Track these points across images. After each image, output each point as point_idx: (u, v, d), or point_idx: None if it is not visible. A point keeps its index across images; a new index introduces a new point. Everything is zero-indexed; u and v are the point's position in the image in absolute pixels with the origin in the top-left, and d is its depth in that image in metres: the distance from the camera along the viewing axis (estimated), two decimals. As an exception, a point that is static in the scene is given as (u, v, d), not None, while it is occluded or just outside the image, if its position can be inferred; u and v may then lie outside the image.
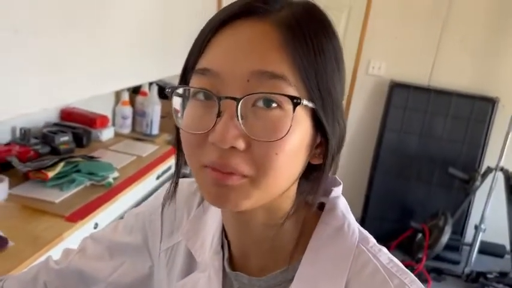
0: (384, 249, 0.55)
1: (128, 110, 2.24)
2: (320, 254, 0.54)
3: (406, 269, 0.53)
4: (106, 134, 1.96)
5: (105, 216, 1.36)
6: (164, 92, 2.05)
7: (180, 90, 0.50)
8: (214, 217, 0.63)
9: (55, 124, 1.83)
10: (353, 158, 3.41)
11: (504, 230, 2.85)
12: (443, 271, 2.94)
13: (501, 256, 3.08)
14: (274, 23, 0.46)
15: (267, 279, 0.56)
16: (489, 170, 2.91)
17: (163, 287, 0.66)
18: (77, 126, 1.85)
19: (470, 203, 3.10)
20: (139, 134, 2.26)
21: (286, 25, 0.46)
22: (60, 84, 1.39)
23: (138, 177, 1.60)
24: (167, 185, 0.66)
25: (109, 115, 2.15)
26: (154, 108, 2.26)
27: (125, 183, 1.53)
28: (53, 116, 1.88)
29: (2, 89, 1.17)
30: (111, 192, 1.44)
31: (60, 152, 1.64)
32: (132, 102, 2.28)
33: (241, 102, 0.44)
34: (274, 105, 0.45)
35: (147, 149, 1.92)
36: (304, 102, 0.45)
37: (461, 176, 2.95)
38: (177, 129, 0.53)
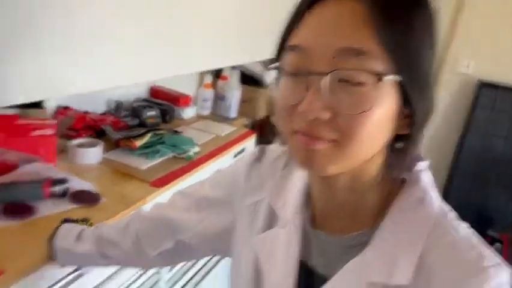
0: (464, 224, 0.56)
1: (209, 93, 2.34)
2: (399, 222, 0.56)
3: (485, 243, 0.53)
4: (188, 112, 2.07)
5: (185, 185, 1.44)
6: (244, 77, 2.12)
7: (275, 66, 0.55)
8: (298, 179, 0.67)
9: (144, 100, 1.97)
10: (429, 158, 3.29)
11: None
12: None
13: None
14: (361, 0, 0.47)
15: (345, 239, 0.59)
16: None
17: (244, 239, 0.71)
18: (163, 103, 1.97)
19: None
20: (218, 117, 2.35)
21: (374, 1, 0.47)
22: (150, 62, 1.50)
23: (216, 154, 1.68)
24: (252, 152, 0.73)
25: (191, 95, 2.26)
26: (234, 93, 2.34)
27: (205, 158, 1.61)
28: (142, 93, 2.02)
29: (102, 63, 1.28)
30: (191, 165, 1.53)
31: (147, 125, 1.76)
32: (214, 86, 2.38)
33: (327, 77, 0.47)
34: (358, 80, 0.47)
35: (225, 129, 2.00)
36: (390, 77, 0.47)
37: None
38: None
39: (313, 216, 0.64)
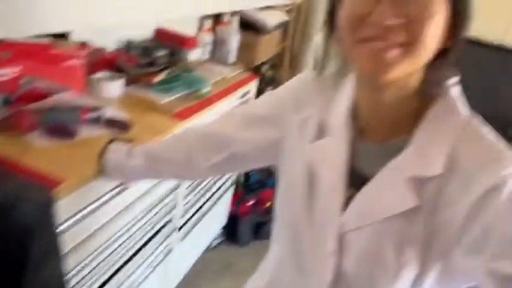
0: (489, 127, 0.67)
1: (209, 38, 2.38)
2: (432, 127, 0.66)
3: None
4: (194, 54, 2.12)
5: (202, 120, 1.54)
6: (244, 24, 2.17)
7: None
8: (347, 94, 0.75)
9: (151, 41, 2.01)
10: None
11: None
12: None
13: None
14: None
15: (390, 146, 0.69)
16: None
17: (296, 149, 0.80)
18: (169, 45, 2.01)
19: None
20: (217, 61, 2.40)
21: None
22: (156, 2, 1.54)
23: (226, 94, 1.77)
24: (302, 73, 0.81)
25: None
26: (233, 38, 2.39)
27: (216, 96, 1.70)
28: (149, 34, 2.05)
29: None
30: (205, 101, 1.62)
31: (157, 64, 1.81)
32: (213, 31, 2.42)
33: None
34: None
35: (229, 72, 2.07)
36: None
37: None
38: (331, 12, 0.67)
39: (360, 128, 0.74)
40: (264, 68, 2.98)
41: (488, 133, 0.65)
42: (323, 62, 0.74)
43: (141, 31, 1.99)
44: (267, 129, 0.85)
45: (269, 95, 0.89)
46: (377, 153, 0.71)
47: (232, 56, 2.43)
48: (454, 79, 0.70)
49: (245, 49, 2.50)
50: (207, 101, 1.61)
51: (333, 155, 0.74)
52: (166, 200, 1.53)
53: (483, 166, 0.61)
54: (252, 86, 2.09)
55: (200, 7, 1.87)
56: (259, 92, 2.56)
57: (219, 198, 2.10)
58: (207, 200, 1.95)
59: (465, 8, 0.61)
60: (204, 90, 1.65)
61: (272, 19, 2.59)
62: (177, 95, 1.59)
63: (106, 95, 1.46)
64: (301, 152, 0.78)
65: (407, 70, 0.61)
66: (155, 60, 1.83)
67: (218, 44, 2.44)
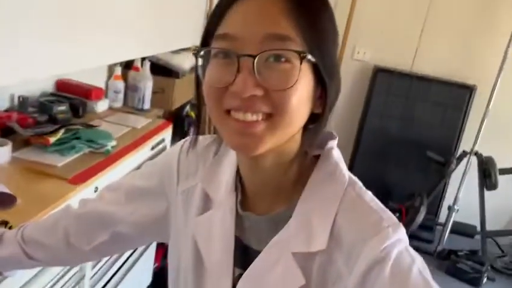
0: (369, 192, 0.65)
1: (120, 85, 2.28)
2: (315, 195, 0.64)
3: (385, 208, 0.63)
4: (101, 105, 2.01)
5: (105, 181, 1.43)
6: (156, 68, 2.11)
7: (204, 52, 0.59)
8: (229, 163, 0.71)
9: (51, 94, 1.87)
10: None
11: (476, 211, 3.02)
12: (416, 249, 3.09)
13: (472, 236, 3.26)
14: None
15: (273, 216, 0.66)
16: (464, 154, 3.06)
17: (180, 224, 0.75)
18: (73, 97, 1.89)
19: (445, 185, 3.26)
20: (130, 109, 2.30)
21: None
22: (60, 53, 1.44)
23: (134, 147, 1.67)
24: (182, 141, 0.76)
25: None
26: (146, 84, 2.31)
27: (123, 151, 1.60)
28: (49, 86, 1.92)
29: (2, 55, 1.21)
30: (109, 159, 1.51)
31: (58, 120, 1.69)
32: (124, 77, 2.32)
33: (257, 58, 0.54)
34: (283, 59, 0.55)
35: (141, 122, 1.98)
36: (308, 56, 0.55)
37: (438, 159, 3.10)
38: (197, 87, 0.63)
39: (244, 197, 0.70)
40: (187, 109, 2.91)
41: (367, 201, 0.63)
42: (195, 134, 0.70)
43: (40, 84, 1.86)
44: (151, 202, 0.79)
45: (151, 165, 0.83)
46: (263, 225, 0.67)
47: (147, 102, 2.34)
48: (334, 141, 0.68)
49: (161, 94, 2.42)
50: (111, 159, 1.50)
51: (218, 230, 0.69)
52: (71, 272, 1.39)
53: (364, 241, 0.58)
54: (167, 134, 2.01)
55: (105, 57, 1.78)
56: (184, 135, 2.49)
57: (138, 258, 1.96)
58: (123, 264, 1.81)
59: (329, 77, 0.59)
60: (108, 147, 1.54)
61: (188, 61, 2.54)
62: (77, 155, 1.47)
63: (-9, 163, 1.31)
64: (187, 228, 0.73)
65: (277, 142, 0.59)
66: (54, 116, 1.70)
67: (130, 91, 2.35)
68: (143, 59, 2.35)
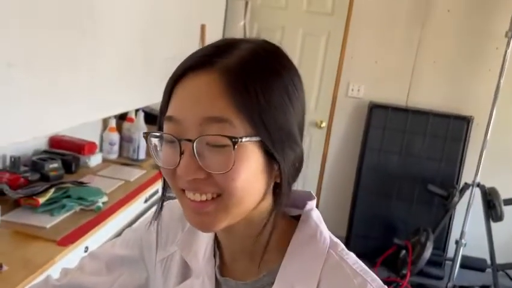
0: (352, 254, 0.63)
1: (115, 136, 2.30)
2: (296, 259, 0.61)
3: (369, 270, 0.61)
4: (94, 160, 2.01)
5: (95, 239, 1.41)
6: (150, 118, 2.10)
7: (154, 135, 0.59)
8: None
9: (44, 151, 1.88)
10: (336, 177, 3.50)
11: (484, 244, 2.94)
12: (427, 286, 3.01)
13: (482, 270, 3.16)
14: (219, 72, 0.53)
15: (252, 282, 0.63)
16: (466, 186, 3.01)
17: None
18: (66, 153, 1.90)
19: (450, 218, 3.19)
20: (126, 159, 2.31)
21: (230, 72, 0.53)
22: (51, 113, 1.45)
23: (127, 201, 1.65)
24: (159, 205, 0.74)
25: (97, 141, 2.20)
26: (141, 134, 2.32)
27: (114, 207, 1.58)
28: (42, 144, 1.93)
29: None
30: (100, 216, 1.49)
31: (50, 178, 1.69)
32: (119, 129, 2.34)
33: (195, 142, 0.53)
34: (220, 143, 0.53)
35: (134, 174, 1.97)
36: (247, 139, 0.53)
37: (440, 192, 3.05)
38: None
39: (223, 263, 0.68)
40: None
41: (350, 264, 0.61)
42: (160, 205, 0.68)
43: (33, 141, 1.87)
44: (131, 271, 0.78)
45: (131, 231, 0.81)
46: None
47: (142, 152, 2.35)
48: (312, 203, 0.66)
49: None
50: (101, 216, 1.49)
51: None
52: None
53: None
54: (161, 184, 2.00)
55: (97, 111, 1.80)
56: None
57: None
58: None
59: (281, 150, 0.56)
60: (99, 203, 1.53)
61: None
62: (67, 214, 1.46)
63: (-21, 228, 1.30)
64: None
65: (233, 219, 0.58)
66: (46, 174, 1.70)
67: (125, 142, 2.36)
68: (137, 110, 2.37)
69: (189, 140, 0.53)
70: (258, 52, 0.57)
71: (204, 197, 0.55)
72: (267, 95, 0.54)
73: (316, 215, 0.65)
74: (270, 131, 0.55)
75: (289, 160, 0.58)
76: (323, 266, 0.60)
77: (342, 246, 0.64)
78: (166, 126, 0.57)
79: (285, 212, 0.64)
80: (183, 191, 0.57)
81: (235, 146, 0.52)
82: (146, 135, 0.59)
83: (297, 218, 0.65)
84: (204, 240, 0.70)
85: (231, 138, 0.52)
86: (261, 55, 0.57)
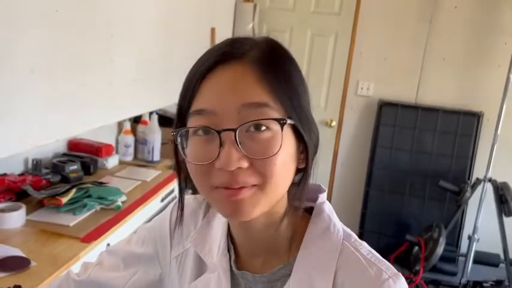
0: (365, 243, 0.65)
1: (130, 139, 2.36)
2: (312, 251, 0.64)
3: (382, 258, 0.63)
4: (111, 161, 2.07)
5: (116, 237, 1.46)
6: (164, 121, 2.16)
7: (183, 131, 0.59)
8: (219, 225, 0.72)
9: (64, 154, 1.95)
10: (347, 175, 3.53)
11: (497, 239, 2.94)
12: (440, 282, 3.02)
13: (496, 265, 3.15)
14: (249, 63, 0.57)
15: (269, 275, 0.65)
16: (478, 182, 3.02)
17: None
18: (84, 155, 1.96)
19: (462, 214, 3.19)
20: (141, 161, 2.36)
21: (260, 62, 0.57)
22: (71, 117, 1.52)
23: (144, 200, 1.71)
24: (173, 203, 0.77)
25: (113, 144, 2.26)
26: (155, 136, 2.38)
27: (133, 206, 1.63)
28: (61, 147, 2.00)
29: (18, 124, 1.29)
30: (120, 214, 1.55)
31: (70, 180, 1.75)
32: (134, 131, 2.40)
33: (237, 131, 0.54)
34: (263, 128, 0.55)
35: (150, 174, 2.03)
36: (288, 121, 0.56)
37: (451, 188, 3.06)
38: (177, 159, 0.63)
39: (238, 257, 0.70)
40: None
41: (364, 254, 0.63)
42: (180, 210, 0.69)
43: (52, 145, 1.93)
44: (147, 267, 0.79)
45: (146, 229, 0.83)
46: (259, 285, 0.67)
47: (156, 154, 2.41)
48: (323, 195, 0.69)
49: (170, 144, 2.48)
50: (121, 215, 1.54)
51: None
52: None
53: None
54: (176, 184, 2.05)
55: (113, 115, 1.86)
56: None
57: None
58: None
59: (308, 133, 0.61)
60: (118, 203, 1.59)
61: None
62: (89, 213, 1.52)
63: (6, 227, 1.36)
64: None
65: (266, 206, 0.59)
66: (67, 176, 1.77)
67: (140, 144, 2.42)
68: (150, 112, 2.43)
69: (231, 130, 0.54)
70: (273, 45, 0.61)
71: (241, 185, 0.55)
72: (291, 82, 0.59)
73: (328, 208, 0.68)
74: (299, 114, 0.58)
75: (313, 142, 0.61)
76: (339, 257, 0.62)
77: (355, 236, 0.66)
78: (195, 121, 0.57)
79: (295, 206, 0.65)
80: (216, 188, 0.57)
81: (283, 128, 0.55)
82: (176, 133, 0.58)
83: (308, 211, 0.68)
84: (217, 236, 0.71)
85: (278, 120, 0.55)
86: (275, 48, 0.61)
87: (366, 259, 0.62)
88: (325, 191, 0.70)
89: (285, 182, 0.60)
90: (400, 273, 0.62)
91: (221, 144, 0.55)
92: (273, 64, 0.58)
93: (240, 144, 0.54)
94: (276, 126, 0.56)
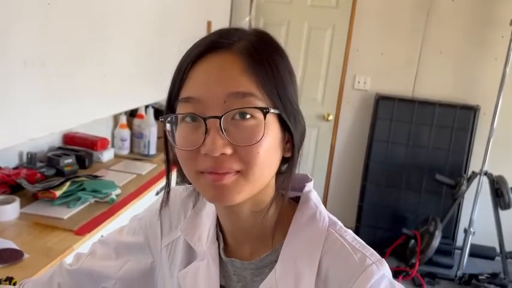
0: (350, 231, 0.66)
1: (126, 133, 2.36)
2: (298, 238, 0.65)
3: (366, 245, 0.64)
4: (107, 155, 2.07)
5: (110, 229, 1.46)
6: (159, 114, 2.16)
7: (171, 117, 0.61)
8: (208, 214, 0.73)
9: (59, 148, 1.95)
10: (344, 169, 3.53)
11: (493, 232, 2.95)
12: (436, 275, 3.04)
13: (492, 258, 3.17)
14: (237, 53, 0.58)
15: (256, 261, 0.67)
16: (474, 175, 3.03)
17: (166, 278, 0.76)
18: (79, 149, 1.96)
19: (458, 207, 3.21)
20: (137, 155, 2.37)
21: (248, 53, 0.58)
22: (65, 110, 1.51)
23: (139, 194, 1.71)
24: (164, 193, 0.78)
25: (109, 138, 2.26)
26: (151, 130, 2.38)
27: (127, 199, 1.64)
28: (56, 141, 2.00)
29: (11, 116, 1.28)
30: (114, 207, 1.55)
31: (65, 173, 1.75)
32: (130, 125, 2.40)
33: (222, 118, 0.56)
34: (248, 116, 0.57)
35: (146, 168, 2.03)
36: (272, 110, 0.58)
37: (447, 181, 3.07)
38: (166, 146, 0.66)
39: (226, 245, 0.71)
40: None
41: (349, 240, 0.65)
42: (166, 194, 0.71)
43: (48, 138, 1.93)
44: (138, 256, 0.80)
45: (137, 220, 0.84)
46: (247, 271, 0.68)
47: (152, 147, 2.41)
48: (310, 184, 0.70)
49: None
50: (115, 208, 1.54)
51: (204, 281, 0.70)
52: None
53: (351, 279, 0.60)
54: (172, 177, 2.05)
55: (109, 108, 1.86)
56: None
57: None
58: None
59: (293, 122, 0.61)
60: (112, 196, 1.59)
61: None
62: (83, 206, 1.52)
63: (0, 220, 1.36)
64: (173, 281, 0.74)
65: (250, 192, 0.60)
66: (62, 169, 1.77)
67: (136, 138, 2.42)
68: (146, 106, 2.43)
69: (216, 117, 0.56)
70: (262, 36, 0.62)
71: (225, 170, 0.57)
72: (278, 72, 0.60)
73: (315, 196, 0.69)
74: (284, 104, 0.60)
75: (299, 132, 0.62)
76: (324, 244, 0.64)
77: (340, 224, 0.67)
78: (183, 108, 0.59)
79: (284, 194, 0.67)
80: (201, 172, 0.58)
81: (265, 117, 0.56)
82: (164, 119, 0.60)
83: (295, 200, 0.69)
84: (207, 225, 0.72)
85: (262, 109, 0.56)
86: (264, 39, 0.62)
87: (351, 245, 0.64)
88: (312, 180, 0.71)
89: (268, 169, 0.61)
90: (384, 259, 0.63)
91: (206, 131, 0.56)
92: (260, 54, 0.59)
93: (225, 131, 0.56)
94: (260, 115, 0.57)
